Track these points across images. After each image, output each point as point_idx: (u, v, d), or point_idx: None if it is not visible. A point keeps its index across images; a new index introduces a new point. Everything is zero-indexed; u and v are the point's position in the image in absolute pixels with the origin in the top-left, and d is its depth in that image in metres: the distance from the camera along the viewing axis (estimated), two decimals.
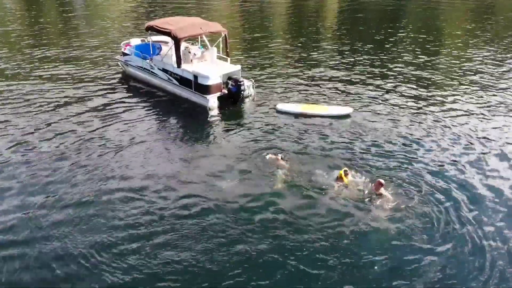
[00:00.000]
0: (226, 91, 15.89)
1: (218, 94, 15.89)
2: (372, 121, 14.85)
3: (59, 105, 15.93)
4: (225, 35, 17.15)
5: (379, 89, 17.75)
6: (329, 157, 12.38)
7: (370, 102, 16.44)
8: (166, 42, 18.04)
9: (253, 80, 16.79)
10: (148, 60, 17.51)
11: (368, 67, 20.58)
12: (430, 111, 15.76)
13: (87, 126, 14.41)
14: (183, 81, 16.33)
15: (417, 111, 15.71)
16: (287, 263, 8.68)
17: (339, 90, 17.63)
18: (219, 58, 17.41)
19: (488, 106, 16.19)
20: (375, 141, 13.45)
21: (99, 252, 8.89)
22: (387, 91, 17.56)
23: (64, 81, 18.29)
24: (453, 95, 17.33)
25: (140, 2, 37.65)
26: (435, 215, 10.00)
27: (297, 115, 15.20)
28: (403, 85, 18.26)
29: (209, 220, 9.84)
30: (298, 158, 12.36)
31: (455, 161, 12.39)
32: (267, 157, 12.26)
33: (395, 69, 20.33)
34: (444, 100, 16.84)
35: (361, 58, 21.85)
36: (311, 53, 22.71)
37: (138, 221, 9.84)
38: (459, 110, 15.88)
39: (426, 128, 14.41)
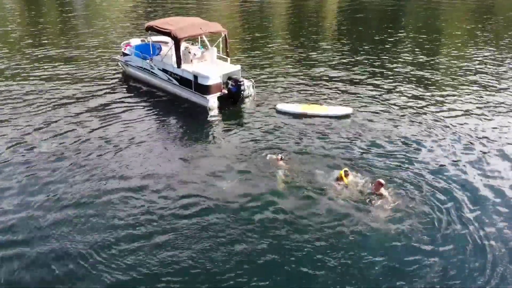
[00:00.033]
0: (226, 91, 15.89)
1: (218, 94, 15.88)
2: (372, 121, 14.84)
3: (59, 105, 15.92)
4: (225, 35, 17.14)
5: (379, 89, 17.75)
6: (329, 157, 12.37)
7: (370, 102, 16.43)
8: (166, 42, 18.04)
9: (253, 80, 16.80)
10: (148, 60, 17.50)
11: (368, 67, 20.58)
12: (430, 111, 15.75)
13: (87, 126, 14.40)
14: (183, 81, 16.32)
15: (417, 111, 15.70)
16: (287, 263, 8.67)
17: (339, 90, 17.62)
18: (219, 58, 17.40)
19: (488, 106, 16.19)
20: (375, 141, 13.44)
21: (98, 252, 8.89)
22: (387, 91, 17.55)
23: (64, 81, 18.28)
24: (453, 95, 17.33)
25: (140, 2, 37.66)
26: (435, 216, 9.99)
27: (297, 115, 15.19)
28: (403, 85, 18.25)
29: (209, 220, 9.83)
30: (298, 158, 12.35)
31: (455, 161, 12.38)
32: (267, 157, 12.25)
33: (395, 69, 20.33)
34: (444, 100, 16.84)
35: (361, 58, 21.84)
36: (311, 53, 22.71)
37: (138, 221, 9.83)
38: (459, 110, 15.88)
39: (426, 128, 14.40)
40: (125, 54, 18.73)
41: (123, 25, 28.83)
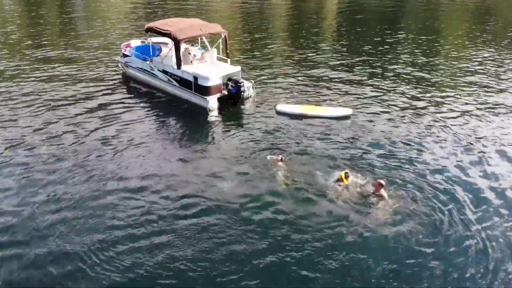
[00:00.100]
0: (226, 92, 15.89)
1: (218, 95, 15.89)
2: (372, 122, 14.85)
3: (58, 106, 15.92)
4: (225, 36, 17.16)
5: (378, 90, 17.76)
6: (329, 158, 12.37)
7: (370, 103, 16.44)
8: (166, 44, 18.06)
9: (253, 81, 16.81)
10: (148, 62, 17.51)
11: (367, 68, 20.59)
12: (429, 111, 15.76)
13: (87, 127, 14.40)
14: (183, 82, 16.33)
15: (416, 112, 15.71)
16: (287, 264, 8.67)
17: (339, 91, 17.63)
18: (219, 59, 17.41)
19: (488, 107, 16.20)
20: (375, 142, 13.44)
21: (98, 253, 8.89)
22: (387, 92, 17.56)
23: (64, 82, 18.28)
24: (453, 95, 17.34)
25: (140, 3, 37.68)
26: (436, 217, 9.99)
27: (297, 116, 15.20)
28: (403, 86, 18.27)
29: (208, 221, 9.83)
30: (298, 159, 12.36)
31: (456, 161, 12.38)
32: (268, 157, 12.26)
33: (394, 70, 20.34)
34: (444, 100, 16.85)
35: (361, 59, 21.86)
36: (311, 54, 22.72)
37: (138, 221, 9.83)
38: (459, 110, 15.89)
39: (426, 129, 14.41)
40: (125, 55, 18.74)
41: (123, 26, 28.85)
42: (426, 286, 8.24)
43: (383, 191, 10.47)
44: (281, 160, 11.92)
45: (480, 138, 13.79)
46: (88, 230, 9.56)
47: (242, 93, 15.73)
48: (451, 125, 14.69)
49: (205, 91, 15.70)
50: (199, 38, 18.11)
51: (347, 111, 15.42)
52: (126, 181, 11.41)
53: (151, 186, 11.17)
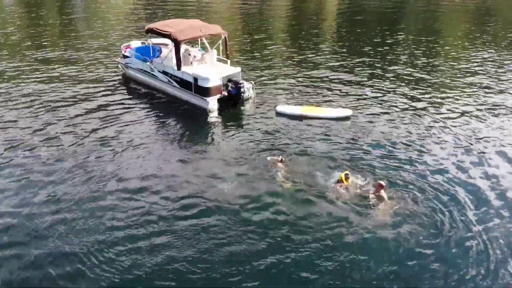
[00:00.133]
0: (226, 93, 15.90)
1: (218, 96, 15.90)
2: (372, 123, 14.86)
3: (58, 107, 15.94)
4: (225, 37, 17.18)
5: (378, 91, 17.77)
6: (329, 159, 12.37)
7: (370, 104, 16.46)
8: (166, 45, 18.08)
9: (253, 82, 16.81)
10: (148, 63, 17.53)
11: (367, 69, 20.61)
12: (429, 112, 15.77)
13: (87, 127, 14.41)
14: (183, 83, 16.34)
15: (417, 113, 15.72)
16: (286, 265, 8.67)
17: (339, 92, 17.64)
18: (219, 60, 17.44)
19: (488, 108, 16.21)
20: (375, 143, 13.45)
21: (97, 253, 8.90)
22: (387, 93, 17.57)
23: (64, 83, 18.30)
24: (453, 96, 17.35)
25: (140, 4, 37.71)
26: (436, 218, 9.98)
27: (297, 117, 15.20)
28: (403, 87, 18.28)
29: (208, 222, 9.83)
30: (298, 160, 12.36)
31: (456, 162, 12.39)
32: (268, 158, 12.27)
33: (394, 70, 20.36)
34: (444, 101, 16.86)
35: (361, 60, 21.87)
36: (311, 55, 22.73)
37: (137, 222, 9.84)
38: (459, 111, 15.90)
39: (426, 129, 14.42)
40: (125, 57, 18.75)
41: (123, 27, 28.88)
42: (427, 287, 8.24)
43: (383, 192, 10.47)
44: (281, 161, 11.93)
45: (480, 138, 13.80)
46: (88, 230, 9.57)
47: (242, 94, 15.74)
48: (451, 126, 14.69)
49: (205, 92, 15.71)
50: (199, 39, 18.14)
51: (347, 112, 15.43)
52: (126, 182, 11.42)
53: (151, 186, 11.18)
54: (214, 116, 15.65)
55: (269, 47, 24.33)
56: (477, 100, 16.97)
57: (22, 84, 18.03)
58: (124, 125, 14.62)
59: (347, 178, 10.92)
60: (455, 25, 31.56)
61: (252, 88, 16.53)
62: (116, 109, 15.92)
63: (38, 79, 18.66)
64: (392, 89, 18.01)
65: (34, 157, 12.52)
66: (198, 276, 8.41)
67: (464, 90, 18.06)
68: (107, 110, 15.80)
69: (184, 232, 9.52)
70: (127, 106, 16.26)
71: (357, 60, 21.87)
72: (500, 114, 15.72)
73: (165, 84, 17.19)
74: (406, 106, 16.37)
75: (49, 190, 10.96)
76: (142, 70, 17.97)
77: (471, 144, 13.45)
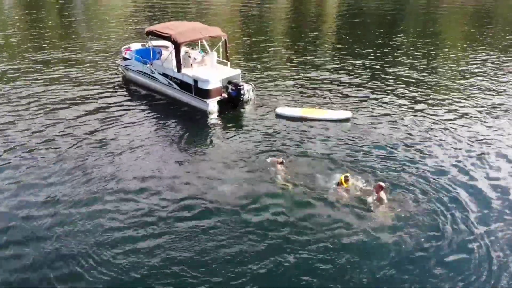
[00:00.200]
0: (226, 95, 15.92)
1: (218, 98, 15.91)
2: (372, 125, 14.87)
3: (58, 109, 15.95)
4: (225, 39, 17.21)
5: (378, 93, 17.79)
6: (329, 161, 12.38)
7: (369, 106, 16.47)
8: (166, 47, 18.09)
9: (252, 84, 16.85)
10: (148, 65, 17.55)
11: (367, 70, 20.64)
12: (429, 114, 15.79)
13: (87, 129, 14.41)
14: (183, 86, 16.36)
15: (416, 114, 15.73)
16: (286, 268, 8.65)
17: (339, 94, 17.67)
18: (219, 62, 17.46)
19: (488, 109, 16.23)
20: (375, 144, 13.46)
21: (96, 255, 8.88)
22: (387, 95, 17.59)
23: (63, 85, 18.31)
24: (453, 98, 17.38)
25: (140, 6, 37.78)
26: (436, 220, 9.96)
27: (297, 119, 15.21)
28: (403, 89, 18.30)
29: (208, 223, 9.82)
30: (298, 162, 12.37)
31: (456, 164, 12.38)
32: (268, 160, 12.28)
33: (394, 72, 20.38)
34: (444, 103, 16.88)
35: (360, 62, 21.91)
36: (311, 57, 22.77)
37: (137, 224, 9.82)
38: (459, 112, 15.92)
39: (426, 131, 14.43)
40: (125, 59, 18.78)
41: (123, 29, 28.92)
42: None
43: (382, 194, 10.47)
44: (281, 162, 11.93)
45: (481, 140, 13.81)
46: (87, 232, 9.56)
47: (242, 96, 15.76)
48: (451, 127, 14.71)
49: (205, 94, 15.73)
50: (199, 42, 18.15)
51: (347, 114, 15.45)
52: (125, 183, 11.41)
53: (150, 188, 11.17)
54: (214, 118, 15.66)
55: (269, 49, 24.38)
56: (477, 101, 16.99)
57: (22, 86, 18.04)
58: (124, 127, 14.63)
59: (347, 180, 10.92)
60: (454, 27, 31.63)
61: (252, 90, 16.55)
62: (116, 111, 15.93)
63: (38, 81, 18.67)
64: (392, 91, 18.04)
65: (33, 158, 12.53)
66: (197, 277, 8.39)
67: (464, 91, 18.09)
68: (107, 112, 15.82)
69: (184, 233, 9.52)
70: (127, 108, 16.27)
71: (357, 62, 21.91)
72: (500, 115, 15.73)
73: (165, 86, 17.21)
74: (406, 107, 16.39)
75: (48, 192, 10.96)
76: (142, 72, 17.99)
77: (472, 145, 13.46)
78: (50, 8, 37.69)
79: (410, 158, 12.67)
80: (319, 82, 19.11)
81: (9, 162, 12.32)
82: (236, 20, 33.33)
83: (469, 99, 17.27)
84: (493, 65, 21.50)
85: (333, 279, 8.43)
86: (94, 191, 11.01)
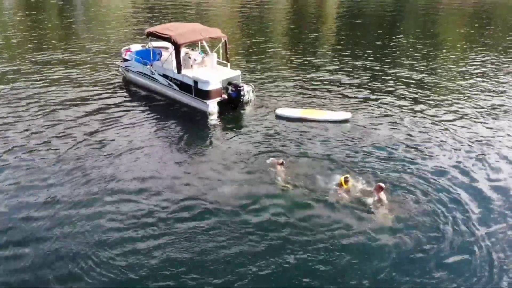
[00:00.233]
0: (226, 96, 15.92)
1: (218, 99, 15.91)
2: (372, 126, 14.87)
3: (58, 109, 15.95)
4: (225, 40, 17.22)
5: (378, 94, 17.79)
6: (329, 162, 12.37)
7: (369, 107, 16.47)
8: (166, 48, 18.10)
9: (252, 85, 16.84)
10: (148, 66, 17.56)
11: (367, 71, 20.64)
12: (429, 115, 15.78)
13: (87, 130, 14.41)
14: (183, 87, 16.37)
15: (416, 115, 15.73)
16: (286, 269, 8.64)
17: (339, 95, 17.67)
18: (219, 63, 17.47)
19: (488, 109, 16.24)
20: (375, 145, 13.45)
21: (96, 256, 8.87)
22: (386, 96, 17.59)
23: (63, 86, 18.32)
24: (452, 98, 17.38)
25: (140, 8, 37.81)
26: (436, 221, 9.95)
27: (296, 120, 15.21)
28: (403, 89, 18.30)
29: (208, 224, 9.82)
30: (298, 163, 12.36)
31: (457, 165, 12.37)
32: (268, 161, 12.27)
33: (394, 73, 20.39)
34: (444, 104, 16.88)
35: (360, 63, 21.92)
36: (311, 58, 22.78)
37: (136, 224, 9.82)
38: (459, 113, 15.92)
39: (426, 132, 14.42)
40: (125, 60, 18.79)
41: (123, 30, 28.93)
42: None
43: (382, 194, 10.46)
44: (281, 163, 11.92)
45: (481, 141, 13.80)
46: (86, 233, 9.54)
47: (242, 97, 15.76)
48: (451, 128, 14.71)
49: (205, 95, 15.73)
50: (199, 43, 18.17)
51: (347, 114, 15.45)
52: (125, 184, 11.41)
53: (150, 189, 11.17)
54: (214, 119, 15.65)
55: (269, 50, 24.39)
56: (477, 102, 17.00)
57: (22, 87, 18.05)
58: (124, 128, 14.63)
59: (347, 181, 10.91)
60: (454, 28, 31.66)
61: (252, 91, 16.55)
62: (116, 111, 15.93)
63: (38, 82, 18.67)
64: (391, 92, 18.04)
65: (33, 159, 12.52)
66: (197, 278, 8.38)
67: (463, 92, 18.10)
68: (107, 112, 15.82)
69: (184, 234, 9.51)
70: (127, 109, 16.27)
71: (357, 63, 21.91)
72: (500, 116, 15.74)
73: (165, 87, 17.22)
74: (406, 108, 16.38)
75: (48, 193, 10.95)
76: (142, 73, 18.00)
77: (472, 146, 13.46)
78: (50, 9, 37.71)
79: (410, 159, 12.67)
80: (319, 83, 19.11)
81: (9, 163, 12.32)
82: (236, 21, 33.36)
83: (469, 100, 17.28)
84: (492, 66, 21.51)
85: (333, 280, 8.42)
86: (94, 192, 11.00)
